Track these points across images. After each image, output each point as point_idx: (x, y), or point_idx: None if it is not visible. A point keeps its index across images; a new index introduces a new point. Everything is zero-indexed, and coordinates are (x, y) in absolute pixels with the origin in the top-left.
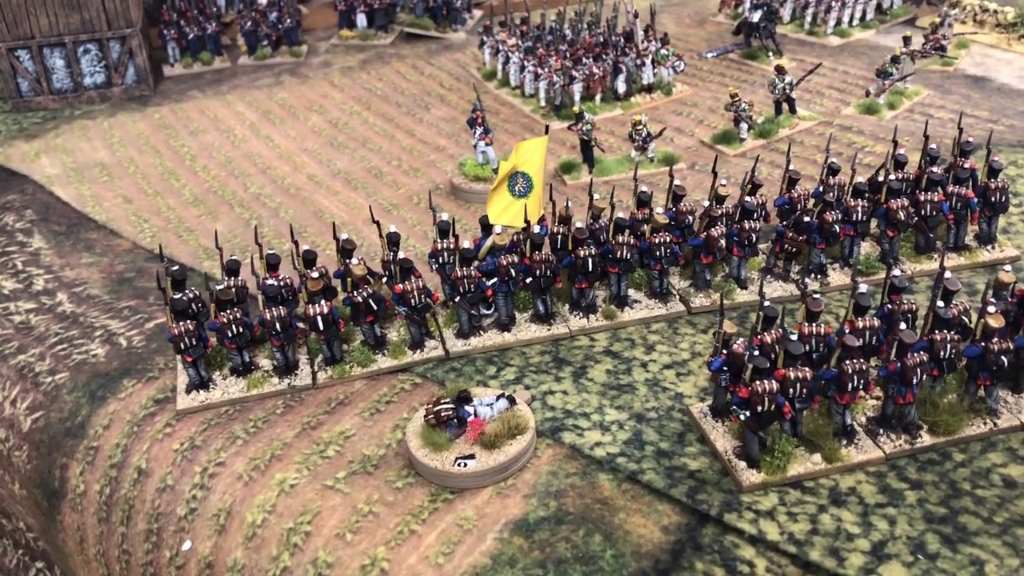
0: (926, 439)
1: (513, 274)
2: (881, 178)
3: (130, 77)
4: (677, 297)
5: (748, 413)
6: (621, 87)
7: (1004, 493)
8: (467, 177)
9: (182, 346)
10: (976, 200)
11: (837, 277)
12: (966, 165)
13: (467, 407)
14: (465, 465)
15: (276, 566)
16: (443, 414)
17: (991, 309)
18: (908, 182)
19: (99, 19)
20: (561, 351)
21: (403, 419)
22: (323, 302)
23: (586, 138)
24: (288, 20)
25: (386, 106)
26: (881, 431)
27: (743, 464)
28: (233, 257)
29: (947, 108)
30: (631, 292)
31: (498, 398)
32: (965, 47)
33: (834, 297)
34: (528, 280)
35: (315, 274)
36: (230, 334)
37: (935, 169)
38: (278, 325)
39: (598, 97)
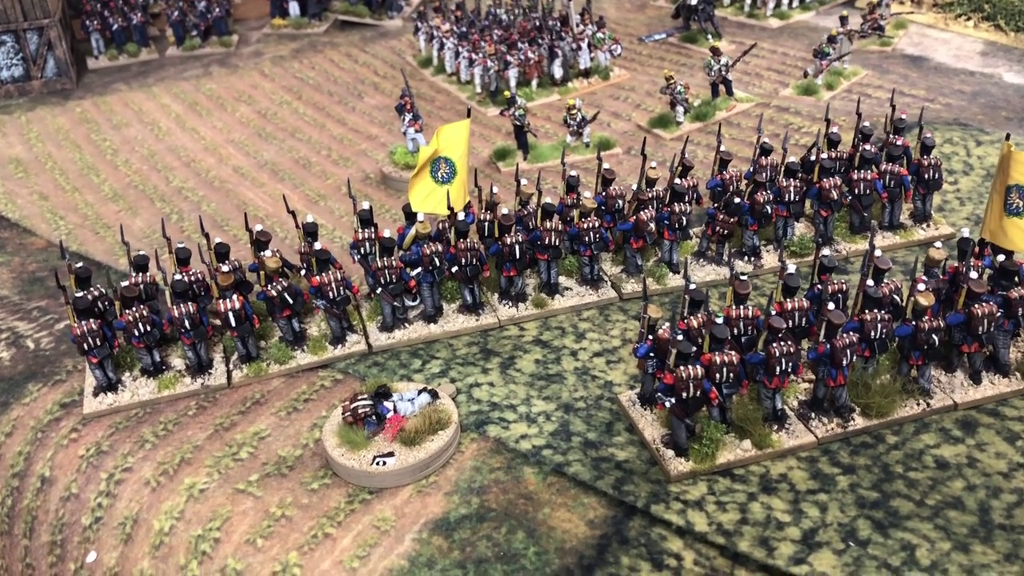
0: (859, 422)
1: (437, 263)
2: (813, 157)
3: (50, 70)
4: (609, 283)
5: (673, 400)
6: (558, 72)
7: (936, 475)
8: (397, 165)
9: (86, 346)
10: (909, 178)
11: (771, 259)
12: (899, 143)
13: (386, 403)
14: (383, 463)
15: (184, 575)
16: (360, 411)
17: (921, 287)
18: (841, 161)
19: (13, 9)
20: (489, 342)
21: (321, 417)
22: (234, 297)
23: (519, 123)
24: (217, 9)
25: (318, 95)
26: (813, 415)
27: (671, 453)
28: (141, 252)
29: (885, 87)
30: (562, 279)
31: (419, 393)
32: (903, 27)
33: (768, 279)
34: (454, 269)
35: (226, 268)
36: (137, 332)
37: (868, 147)
38: (187, 322)
39: (534, 82)
